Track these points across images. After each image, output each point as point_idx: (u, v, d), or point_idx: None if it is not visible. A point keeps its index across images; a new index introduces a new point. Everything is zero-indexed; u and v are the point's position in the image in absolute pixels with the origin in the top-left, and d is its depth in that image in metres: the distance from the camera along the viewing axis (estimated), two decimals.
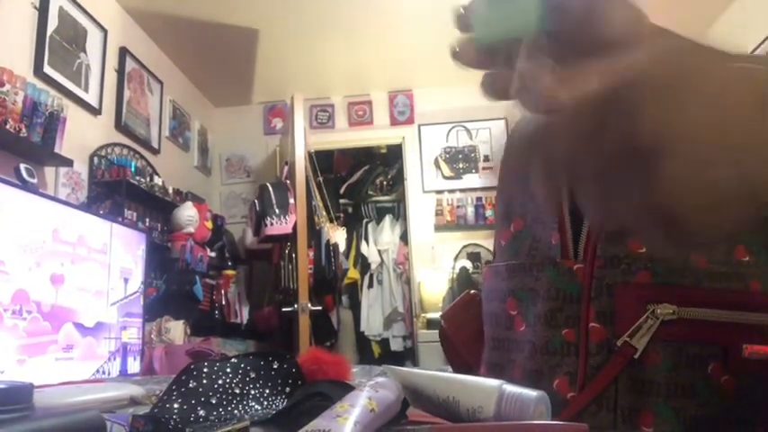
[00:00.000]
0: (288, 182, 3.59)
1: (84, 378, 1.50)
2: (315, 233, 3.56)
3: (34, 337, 1.36)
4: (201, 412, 0.57)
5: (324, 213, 3.82)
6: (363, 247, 4.42)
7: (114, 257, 1.80)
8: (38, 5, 2.34)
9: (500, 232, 0.55)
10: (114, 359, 1.72)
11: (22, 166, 1.95)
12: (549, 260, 0.47)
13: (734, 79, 0.26)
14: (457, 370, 0.63)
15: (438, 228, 4.16)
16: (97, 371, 1.62)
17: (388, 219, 4.53)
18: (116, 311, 1.78)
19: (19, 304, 1.31)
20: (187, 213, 3.18)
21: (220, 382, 0.60)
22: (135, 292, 1.91)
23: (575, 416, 0.41)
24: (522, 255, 0.50)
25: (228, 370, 0.62)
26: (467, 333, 0.60)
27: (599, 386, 0.41)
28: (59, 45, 2.47)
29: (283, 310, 3.31)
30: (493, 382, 0.40)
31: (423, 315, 3.93)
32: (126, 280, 1.86)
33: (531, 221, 0.50)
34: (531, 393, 0.38)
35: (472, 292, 0.64)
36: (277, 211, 3.39)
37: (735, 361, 0.38)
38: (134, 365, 1.85)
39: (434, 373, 0.47)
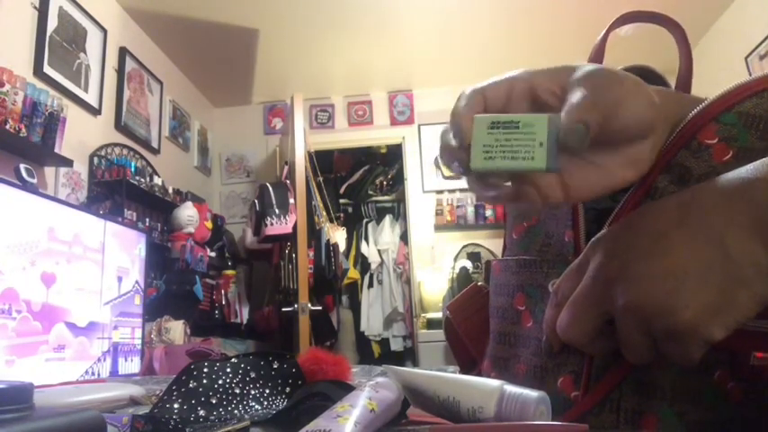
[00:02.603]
0: (288, 182, 3.59)
1: (75, 379, 1.49)
2: (315, 233, 3.56)
3: (24, 337, 1.34)
4: (202, 412, 0.57)
5: (324, 213, 3.82)
6: (363, 247, 4.42)
7: (110, 257, 1.79)
8: (38, 5, 2.34)
9: (512, 225, 0.55)
10: (105, 360, 1.70)
11: (22, 167, 1.95)
12: (561, 257, 0.46)
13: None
14: (461, 363, 0.63)
15: (438, 228, 4.16)
16: (86, 372, 1.60)
17: (388, 219, 4.53)
18: (109, 311, 1.77)
19: (8, 303, 1.30)
20: (187, 213, 3.18)
21: (220, 382, 0.60)
22: (129, 292, 1.90)
23: (577, 417, 0.41)
24: (533, 250, 0.50)
25: (228, 370, 0.62)
26: (472, 325, 0.59)
27: (604, 389, 0.40)
28: (59, 45, 2.47)
29: (283, 310, 3.31)
30: (493, 383, 0.40)
31: (423, 315, 3.93)
32: (120, 279, 1.85)
33: (544, 217, 0.50)
34: (532, 394, 0.38)
35: (479, 284, 0.63)
36: (277, 211, 3.39)
37: (743, 368, 0.38)
38: (125, 366, 1.83)
39: (435, 374, 0.47)
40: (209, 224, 3.41)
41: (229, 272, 3.74)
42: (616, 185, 0.38)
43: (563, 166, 0.35)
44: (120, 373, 1.79)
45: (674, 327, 0.31)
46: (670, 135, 0.39)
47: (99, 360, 1.68)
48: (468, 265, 3.93)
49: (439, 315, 3.83)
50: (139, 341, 1.97)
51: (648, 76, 0.52)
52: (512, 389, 0.39)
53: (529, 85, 0.37)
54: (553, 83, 0.36)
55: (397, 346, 4.22)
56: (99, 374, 1.65)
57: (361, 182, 4.64)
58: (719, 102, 0.38)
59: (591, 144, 0.34)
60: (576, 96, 0.35)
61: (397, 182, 4.61)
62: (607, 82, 0.35)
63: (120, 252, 1.88)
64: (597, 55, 0.52)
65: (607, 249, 0.35)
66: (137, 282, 1.97)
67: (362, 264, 4.42)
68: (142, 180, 2.92)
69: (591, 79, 0.35)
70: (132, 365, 1.89)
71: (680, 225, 0.32)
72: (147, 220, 2.99)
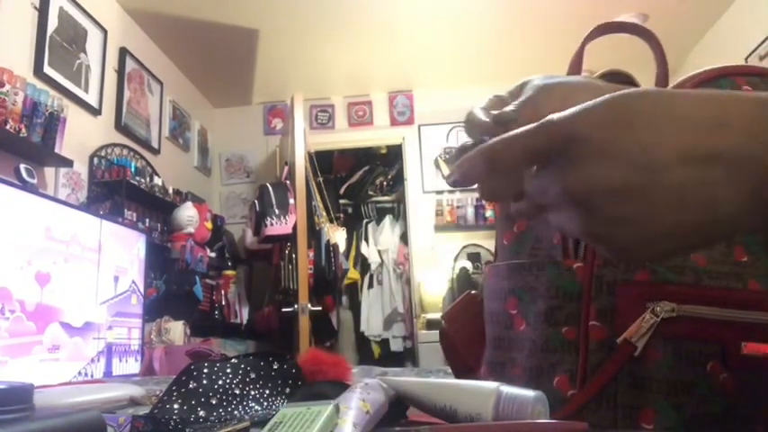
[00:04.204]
0: (288, 182, 3.59)
1: (68, 380, 1.47)
2: (315, 233, 3.56)
3: (17, 337, 1.32)
4: (201, 413, 0.57)
5: (324, 214, 3.82)
6: (363, 248, 4.42)
7: (108, 256, 1.79)
8: (38, 6, 2.34)
9: (503, 231, 0.56)
10: (98, 360, 1.69)
11: (22, 167, 1.95)
12: (550, 259, 0.47)
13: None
14: (457, 371, 0.63)
15: (438, 228, 4.16)
16: (79, 373, 1.59)
17: (388, 219, 4.53)
18: (105, 311, 1.76)
19: (1, 303, 1.28)
20: (187, 213, 3.18)
21: (220, 382, 0.61)
22: (125, 292, 1.89)
23: (574, 413, 0.41)
24: (524, 254, 0.51)
25: (228, 370, 0.62)
26: (467, 333, 0.60)
27: (598, 384, 0.41)
28: (59, 45, 2.47)
29: (283, 310, 3.31)
30: (490, 386, 0.40)
31: (423, 315, 3.93)
32: (116, 279, 1.84)
33: (534, 221, 0.50)
34: (529, 393, 0.38)
35: (473, 292, 0.64)
36: (277, 211, 3.39)
37: (734, 359, 0.38)
38: (120, 366, 1.81)
39: (430, 381, 0.47)
40: (209, 224, 3.41)
41: (229, 272, 3.73)
42: None
43: None
44: (114, 373, 1.77)
45: (618, 259, 0.31)
46: None
47: (93, 360, 1.66)
48: (468, 265, 3.93)
49: (439, 316, 3.82)
50: (136, 341, 1.96)
51: (623, 81, 0.52)
52: (508, 390, 0.39)
53: None
54: None
55: (396, 346, 4.22)
56: (92, 375, 1.64)
57: (361, 182, 4.64)
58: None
59: None
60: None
61: (397, 182, 4.61)
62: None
63: (118, 252, 1.87)
64: (575, 66, 0.53)
65: (587, 149, 0.28)
66: (133, 282, 1.97)
67: (362, 264, 4.41)
68: (142, 180, 2.92)
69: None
70: (127, 366, 1.88)
71: (687, 164, 0.26)
72: (147, 220, 2.99)
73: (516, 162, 0.30)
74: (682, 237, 0.27)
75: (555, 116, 0.29)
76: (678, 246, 0.28)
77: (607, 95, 0.28)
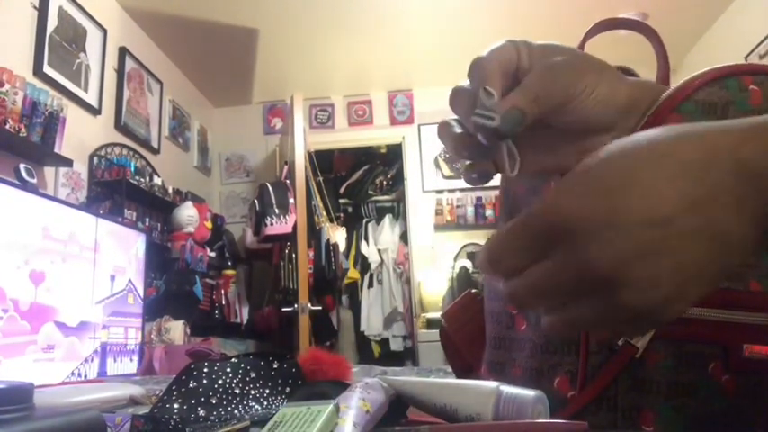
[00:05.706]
0: (287, 182, 3.59)
1: (61, 381, 1.46)
2: (315, 233, 3.56)
3: (11, 337, 1.32)
4: (202, 412, 0.57)
5: (324, 213, 3.82)
6: (363, 247, 4.42)
7: (106, 256, 1.78)
8: (37, 5, 2.34)
9: None
10: (92, 360, 1.68)
11: (22, 166, 1.95)
12: None
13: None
14: (457, 370, 0.63)
15: (438, 227, 4.16)
16: (72, 373, 1.58)
17: (387, 218, 4.53)
18: (101, 310, 1.75)
19: None
20: (187, 213, 3.18)
21: (220, 382, 0.61)
22: (122, 291, 1.89)
23: (574, 415, 0.41)
24: None
25: (228, 370, 0.62)
26: (467, 332, 0.60)
27: (599, 386, 0.41)
28: (59, 45, 2.47)
29: (283, 309, 3.32)
30: (490, 385, 0.40)
31: (423, 315, 3.93)
32: (113, 278, 1.84)
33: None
34: (530, 393, 0.38)
35: (473, 291, 0.64)
36: (277, 210, 3.39)
37: (735, 360, 0.38)
38: (115, 366, 1.80)
39: (429, 381, 0.47)
40: (208, 224, 3.41)
41: (229, 272, 3.74)
42: (564, 170, 0.39)
43: (519, 147, 0.37)
44: (108, 373, 1.76)
45: (653, 325, 0.30)
46: (637, 124, 0.40)
47: (87, 360, 1.66)
48: (468, 264, 3.93)
49: (439, 315, 3.82)
50: (132, 341, 1.96)
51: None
52: (508, 390, 0.39)
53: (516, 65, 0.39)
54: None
55: (396, 345, 4.22)
56: (86, 375, 1.63)
57: (361, 182, 4.64)
58: (678, 92, 0.40)
59: (544, 130, 0.36)
60: (523, 83, 0.36)
61: (397, 182, 4.61)
62: (565, 73, 0.36)
63: (116, 251, 1.87)
64: None
65: (589, 230, 0.26)
66: (130, 281, 1.96)
67: (362, 263, 4.41)
68: (142, 180, 2.92)
69: (549, 69, 0.36)
70: (122, 366, 1.87)
71: (689, 210, 0.26)
72: (147, 219, 2.99)
73: (520, 262, 0.29)
74: (710, 274, 0.27)
75: (537, 211, 0.27)
76: (708, 283, 0.27)
77: (580, 166, 0.28)
